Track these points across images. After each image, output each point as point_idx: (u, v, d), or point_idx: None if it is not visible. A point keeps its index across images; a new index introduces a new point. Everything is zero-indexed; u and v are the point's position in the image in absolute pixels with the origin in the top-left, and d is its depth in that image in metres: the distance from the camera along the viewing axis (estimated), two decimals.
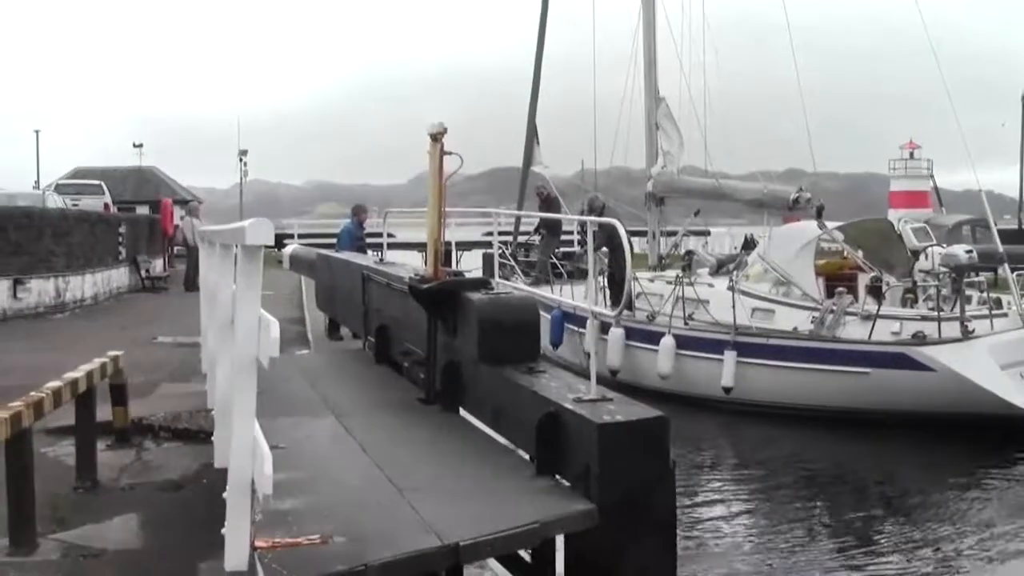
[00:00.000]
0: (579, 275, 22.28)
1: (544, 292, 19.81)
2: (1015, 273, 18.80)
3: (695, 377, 19.28)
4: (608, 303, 19.40)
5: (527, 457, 7.35)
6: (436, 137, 8.88)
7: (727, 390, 18.67)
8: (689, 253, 24.09)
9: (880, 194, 71.03)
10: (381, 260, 14.18)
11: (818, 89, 23.91)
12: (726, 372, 18.65)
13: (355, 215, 20.37)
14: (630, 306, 20.37)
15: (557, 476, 6.82)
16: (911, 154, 62.85)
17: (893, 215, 38.50)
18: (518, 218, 27.85)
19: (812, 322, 18.33)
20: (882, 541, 11.82)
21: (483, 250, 32.44)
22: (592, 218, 10.02)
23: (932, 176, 57.62)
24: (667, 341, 19.57)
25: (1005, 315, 17.93)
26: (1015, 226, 51.19)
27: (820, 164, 25.31)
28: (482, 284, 9.17)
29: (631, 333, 20.51)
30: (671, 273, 22.12)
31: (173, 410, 12.55)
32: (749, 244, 24.71)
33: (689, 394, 19.11)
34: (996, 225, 22.85)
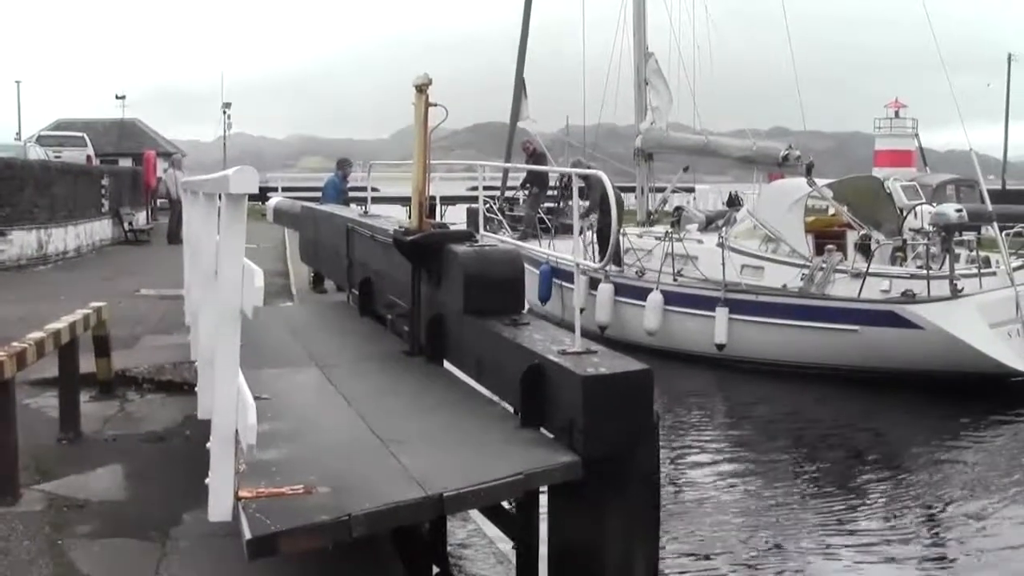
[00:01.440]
0: (566, 230, 22.27)
1: (532, 246, 19.78)
2: (1003, 232, 18.82)
3: (685, 333, 19.30)
4: (596, 258, 19.39)
5: (511, 409, 7.35)
6: (421, 88, 8.81)
7: (720, 347, 18.71)
8: (678, 209, 24.06)
9: (866, 153, 71.09)
10: (365, 213, 14.14)
11: (804, 48, 23.82)
12: (719, 329, 18.67)
13: (340, 169, 20.37)
14: (619, 261, 20.37)
15: (541, 428, 6.83)
16: (896, 113, 62.85)
17: (878, 174, 38.49)
18: (505, 172, 27.76)
19: (801, 279, 18.34)
20: (869, 499, 11.89)
21: (468, 205, 32.34)
22: (576, 170, 9.96)
23: (917, 135, 57.61)
24: (654, 297, 19.57)
25: (994, 274, 17.95)
26: (998, 186, 51.33)
27: (808, 123, 25.40)
28: (467, 237, 9.15)
29: (620, 289, 20.51)
30: (660, 229, 22.10)
31: (157, 362, 12.52)
32: (733, 201, 24.71)
33: (679, 350, 19.14)
34: (987, 185, 22.89)
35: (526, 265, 22.61)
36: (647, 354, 18.42)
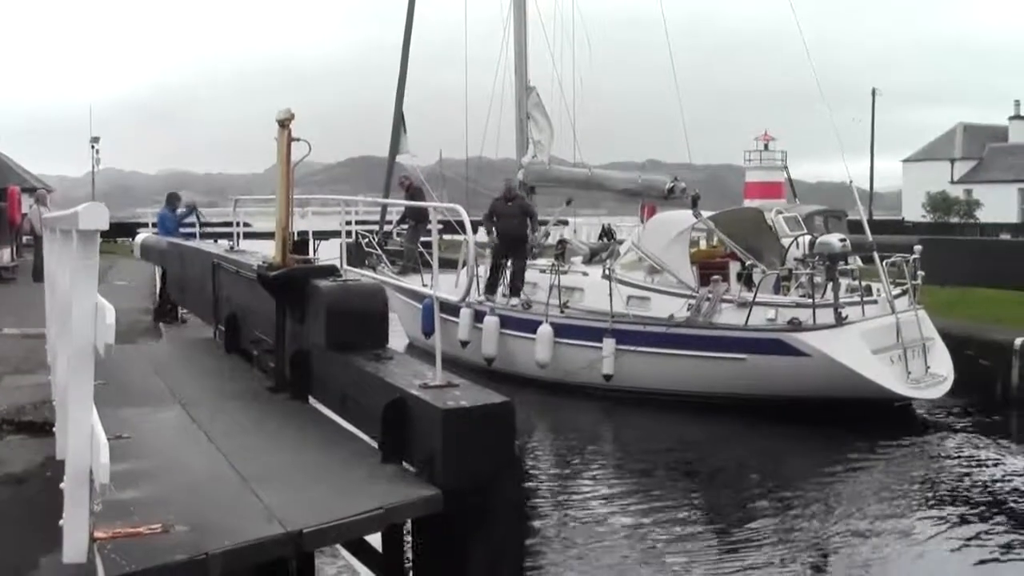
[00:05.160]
0: (447, 264, 22.26)
1: (412, 281, 19.73)
2: (883, 261, 19.33)
3: (574, 365, 19.37)
4: (480, 290, 19.55)
5: (374, 444, 7.36)
6: (284, 123, 8.82)
7: (607, 377, 18.81)
8: (562, 242, 24.22)
9: (737, 185, 72.57)
10: (233, 248, 14.01)
11: (672, 83, 24.24)
12: (606, 360, 18.76)
13: (169, 203, 20.66)
14: (517, 291, 20.55)
15: (403, 462, 6.86)
16: (766, 146, 64.28)
17: (750, 205, 39.28)
18: (384, 207, 27.69)
19: (688, 309, 18.46)
20: (755, 526, 11.92)
21: (342, 240, 32.16)
22: (438, 204, 10.06)
23: (786, 167, 59.05)
24: (544, 329, 19.62)
25: (875, 302, 18.36)
26: (866, 216, 52.92)
27: (680, 156, 25.75)
28: (330, 271, 9.16)
29: (506, 321, 20.52)
30: (544, 262, 22.20)
31: (17, 402, 12.15)
32: (607, 233, 24.97)
33: (567, 382, 19.21)
34: (851, 216, 23.50)
35: (408, 300, 22.58)
36: (536, 387, 18.62)
